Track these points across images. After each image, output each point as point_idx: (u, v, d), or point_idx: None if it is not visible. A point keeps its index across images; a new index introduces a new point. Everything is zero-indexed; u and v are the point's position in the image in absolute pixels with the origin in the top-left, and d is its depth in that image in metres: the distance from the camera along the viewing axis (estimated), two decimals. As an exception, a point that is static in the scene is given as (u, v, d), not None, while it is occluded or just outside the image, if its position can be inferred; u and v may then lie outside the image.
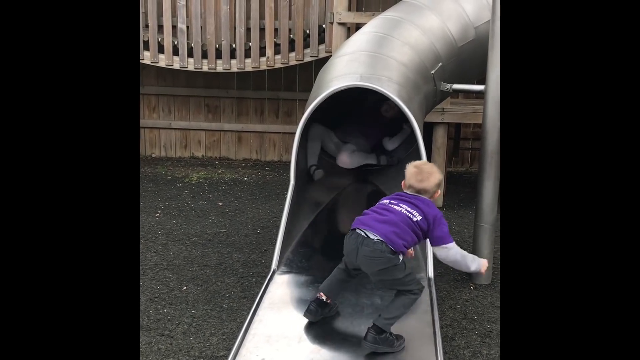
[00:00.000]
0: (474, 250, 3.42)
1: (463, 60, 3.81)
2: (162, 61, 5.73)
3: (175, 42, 5.72)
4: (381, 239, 2.27)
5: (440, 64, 3.61)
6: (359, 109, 4.29)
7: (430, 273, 2.78)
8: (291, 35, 5.64)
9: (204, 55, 5.70)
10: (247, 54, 5.69)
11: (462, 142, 6.11)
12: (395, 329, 2.34)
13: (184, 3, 5.61)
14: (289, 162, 3.19)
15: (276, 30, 5.66)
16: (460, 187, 5.59)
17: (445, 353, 2.54)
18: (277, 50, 5.65)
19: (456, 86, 3.65)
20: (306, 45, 5.64)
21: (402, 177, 3.86)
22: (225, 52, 5.65)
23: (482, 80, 3.40)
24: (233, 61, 5.69)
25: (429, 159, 4.54)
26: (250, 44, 5.65)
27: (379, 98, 3.15)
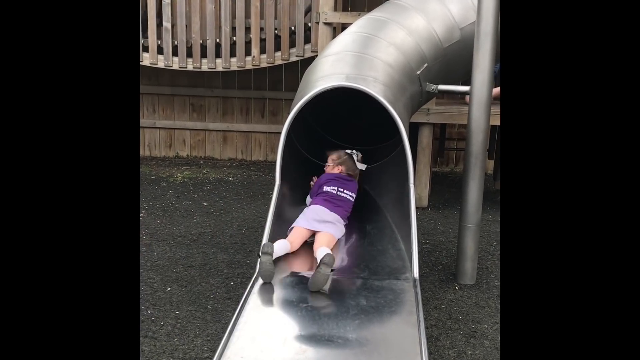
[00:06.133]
0: (458, 250, 3.43)
1: (448, 61, 3.82)
2: (147, 60, 5.68)
3: (160, 41, 5.67)
4: None
5: (425, 65, 3.61)
6: (345, 109, 4.28)
7: (415, 274, 2.78)
8: (276, 32, 5.62)
9: (189, 54, 5.67)
10: (233, 53, 5.67)
11: (447, 143, 6.14)
12: (380, 329, 2.34)
13: (169, 1, 5.57)
14: (275, 162, 3.18)
15: (262, 29, 5.65)
16: (445, 187, 5.61)
17: (430, 353, 2.55)
18: (262, 50, 5.64)
19: (442, 87, 3.66)
20: (292, 44, 5.63)
21: (386, 176, 3.89)
22: (211, 51, 5.62)
23: (467, 81, 3.41)
24: (218, 60, 5.66)
25: (415, 159, 4.55)
26: (234, 37, 5.62)
27: (365, 98, 3.15)
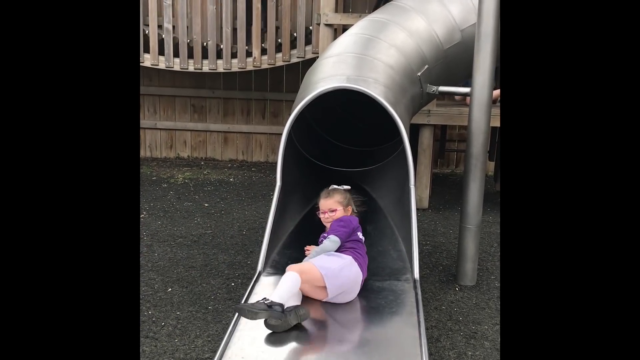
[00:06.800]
0: (459, 251, 3.43)
1: (449, 63, 3.83)
2: (148, 61, 5.69)
3: (162, 37, 5.68)
4: None
5: (426, 66, 3.62)
6: (347, 110, 4.29)
7: (416, 275, 2.78)
8: (279, 40, 5.64)
9: (190, 55, 5.67)
10: (234, 54, 5.68)
11: (447, 144, 6.14)
12: (380, 330, 2.34)
13: (170, 3, 5.58)
14: (275, 163, 3.18)
15: (263, 30, 5.66)
16: (445, 188, 5.61)
17: (430, 354, 2.55)
18: (263, 51, 5.65)
19: (442, 88, 3.67)
20: (293, 46, 5.64)
21: (387, 177, 3.89)
22: (212, 52, 5.63)
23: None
24: (219, 61, 5.67)
25: (415, 160, 4.55)
26: (237, 45, 5.63)
27: (366, 99, 3.15)
